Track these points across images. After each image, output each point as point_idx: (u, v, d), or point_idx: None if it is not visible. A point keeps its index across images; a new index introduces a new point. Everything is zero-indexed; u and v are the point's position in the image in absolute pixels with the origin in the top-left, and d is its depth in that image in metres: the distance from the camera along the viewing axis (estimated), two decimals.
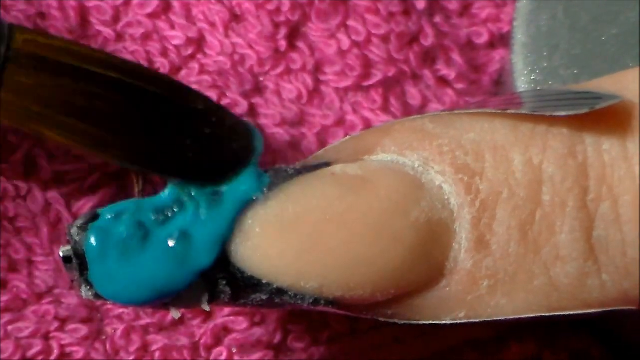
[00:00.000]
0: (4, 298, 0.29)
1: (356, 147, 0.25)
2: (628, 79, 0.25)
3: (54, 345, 0.29)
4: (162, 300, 0.24)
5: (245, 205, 0.24)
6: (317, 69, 0.31)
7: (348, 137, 0.26)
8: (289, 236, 0.23)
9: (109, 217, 0.24)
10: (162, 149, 0.24)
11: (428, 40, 0.31)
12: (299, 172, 0.24)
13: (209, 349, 0.29)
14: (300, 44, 0.31)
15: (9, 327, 0.29)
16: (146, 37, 0.31)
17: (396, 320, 0.24)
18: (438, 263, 0.24)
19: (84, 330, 0.29)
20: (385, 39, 0.31)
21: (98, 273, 0.24)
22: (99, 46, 0.31)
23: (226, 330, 0.29)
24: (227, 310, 0.29)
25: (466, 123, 0.24)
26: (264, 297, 0.24)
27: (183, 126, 0.24)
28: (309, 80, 0.31)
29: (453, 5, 0.32)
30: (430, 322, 0.24)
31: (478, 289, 0.24)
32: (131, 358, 0.29)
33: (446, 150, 0.24)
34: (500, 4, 0.32)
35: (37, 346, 0.29)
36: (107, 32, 0.31)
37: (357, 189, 0.24)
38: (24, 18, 0.30)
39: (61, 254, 0.24)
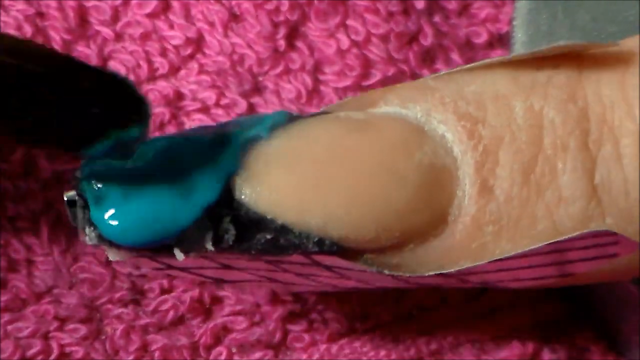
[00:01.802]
0: (4, 298, 0.29)
1: (359, 102, 0.25)
2: (627, 41, 0.25)
3: (54, 345, 0.29)
4: (166, 239, 0.24)
5: (250, 142, 0.24)
6: (317, 68, 0.31)
7: (350, 96, 0.26)
8: (293, 172, 0.23)
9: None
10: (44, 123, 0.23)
11: (427, 40, 0.31)
12: (303, 117, 0.25)
13: (209, 348, 0.29)
14: (300, 44, 0.31)
15: (9, 327, 0.29)
16: (145, 37, 0.31)
17: (401, 273, 0.24)
18: (442, 209, 0.24)
19: (83, 330, 0.29)
20: (384, 38, 0.31)
21: (101, 215, 0.23)
22: (98, 46, 0.31)
23: (226, 329, 0.29)
24: (226, 309, 0.29)
25: (467, 77, 0.25)
26: (269, 237, 0.23)
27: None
28: (308, 80, 0.31)
29: (452, 5, 0.32)
30: (436, 272, 0.24)
31: (482, 235, 0.24)
32: (130, 358, 0.29)
33: (448, 101, 0.24)
34: (499, 4, 0.32)
35: (37, 346, 0.29)
36: (106, 32, 0.31)
37: (360, 129, 0.24)
38: (23, 18, 0.30)
39: (65, 198, 0.24)
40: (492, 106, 0.24)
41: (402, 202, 0.24)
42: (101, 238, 0.24)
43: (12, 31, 0.30)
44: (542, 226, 0.24)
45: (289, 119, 0.24)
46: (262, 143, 0.24)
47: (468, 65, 0.25)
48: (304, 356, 0.29)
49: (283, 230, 0.23)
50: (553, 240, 0.24)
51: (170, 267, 0.25)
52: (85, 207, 0.24)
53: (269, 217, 0.23)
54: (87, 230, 0.24)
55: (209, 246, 0.24)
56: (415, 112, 0.25)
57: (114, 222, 0.23)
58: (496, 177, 0.24)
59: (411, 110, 0.25)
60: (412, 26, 0.31)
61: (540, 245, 0.24)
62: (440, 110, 0.24)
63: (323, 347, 0.29)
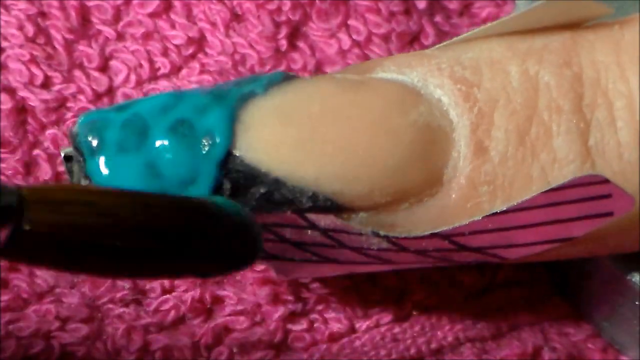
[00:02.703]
0: (5, 297, 0.29)
1: (356, 69, 0.26)
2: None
3: (55, 344, 0.29)
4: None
5: (246, 97, 0.24)
6: (318, 68, 0.31)
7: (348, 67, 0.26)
8: (288, 126, 0.24)
9: (108, 110, 0.24)
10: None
11: (429, 39, 0.31)
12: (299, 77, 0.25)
13: (210, 348, 0.29)
14: (301, 44, 0.31)
15: (10, 327, 0.29)
16: (147, 36, 0.31)
17: (397, 234, 0.24)
18: (437, 169, 0.24)
19: (84, 329, 0.29)
20: (386, 38, 0.31)
21: (96, 165, 0.24)
22: (100, 46, 0.31)
23: (227, 329, 0.29)
24: (227, 309, 0.29)
25: (464, 46, 0.25)
26: (263, 191, 0.24)
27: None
28: None
29: (453, 5, 0.32)
30: (430, 232, 0.24)
31: (478, 195, 0.24)
32: (132, 358, 0.29)
33: (444, 67, 0.25)
34: (500, 3, 0.32)
35: (38, 345, 0.28)
36: (108, 31, 0.31)
37: (355, 88, 0.24)
38: (24, 17, 0.30)
39: (62, 154, 0.24)
40: (487, 71, 0.25)
41: (396, 159, 0.24)
42: None
43: (13, 30, 0.30)
44: (536, 187, 0.24)
45: (285, 77, 0.25)
46: (258, 98, 0.24)
47: (465, 35, 0.25)
48: (305, 356, 0.29)
49: (277, 184, 0.24)
50: (545, 190, 0.24)
51: None
52: (82, 161, 0.24)
53: (263, 170, 0.23)
54: (83, 182, 0.24)
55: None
56: (411, 78, 0.25)
57: (106, 171, 0.23)
58: (491, 138, 0.24)
59: (408, 76, 0.25)
60: (414, 26, 0.31)
61: (533, 195, 0.24)
62: (436, 75, 0.25)
63: (324, 346, 0.29)
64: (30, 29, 0.30)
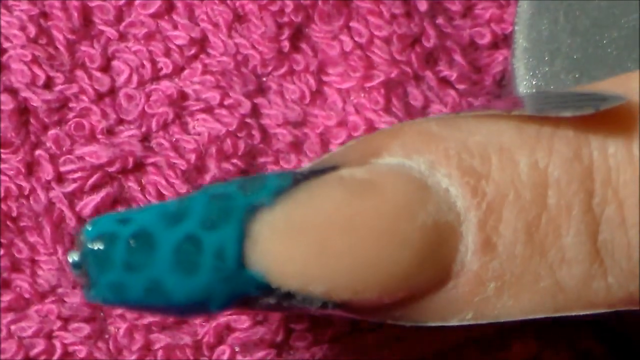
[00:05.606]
0: (7, 297, 0.29)
1: (363, 150, 0.25)
2: (631, 80, 0.25)
3: (57, 344, 0.29)
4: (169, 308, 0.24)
5: (254, 210, 0.24)
6: (320, 70, 0.31)
7: (354, 140, 0.26)
8: (297, 241, 0.23)
9: (115, 219, 0.23)
10: None
11: (430, 41, 0.31)
12: (306, 177, 0.24)
13: (212, 347, 0.29)
14: (304, 45, 0.31)
15: (12, 327, 0.29)
16: (149, 37, 0.31)
17: (403, 323, 0.24)
18: (445, 265, 0.24)
19: (86, 329, 0.29)
20: (387, 40, 0.31)
21: (105, 282, 0.23)
22: (102, 46, 0.31)
23: (229, 329, 0.29)
24: None
25: (472, 125, 0.25)
26: (272, 302, 0.24)
27: None
28: (312, 81, 0.31)
29: (456, 7, 0.32)
30: (437, 324, 0.24)
31: (485, 291, 0.24)
32: (134, 357, 0.29)
33: (452, 154, 0.24)
34: (503, 4, 0.32)
35: (40, 345, 0.29)
36: (110, 31, 0.31)
37: (364, 194, 0.24)
38: (26, 18, 0.30)
39: (70, 260, 0.24)
40: (496, 160, 0.24)
41: (406, 265, 0.23)
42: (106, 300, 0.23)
43: (15, 31, 0.30)
44: (544, 283, 0.24)
45: (293, 182, 0.24)
46: (266, 210, 0.23)
47: (473, 112, 0.25)
48: (307, 355, 0.29)
49: (287, 296, 0.23)
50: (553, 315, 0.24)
51: None
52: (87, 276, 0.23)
53: (273, 285, 0.23)
54: (91, 291, 0.23)
55: (213, 310, 0.23)
56: (418, 164, 0.24)
57: (112, 292, 0.23)
58: (499, 234, 0.24)
59: (415, 162, 0.24)
60: (415, 28, 0.31)
61: (543, 315, 0.24)
62: (444, 164, 0.24)
63: (326, 346, 0.30)
64: (32, 30, 0.30)
